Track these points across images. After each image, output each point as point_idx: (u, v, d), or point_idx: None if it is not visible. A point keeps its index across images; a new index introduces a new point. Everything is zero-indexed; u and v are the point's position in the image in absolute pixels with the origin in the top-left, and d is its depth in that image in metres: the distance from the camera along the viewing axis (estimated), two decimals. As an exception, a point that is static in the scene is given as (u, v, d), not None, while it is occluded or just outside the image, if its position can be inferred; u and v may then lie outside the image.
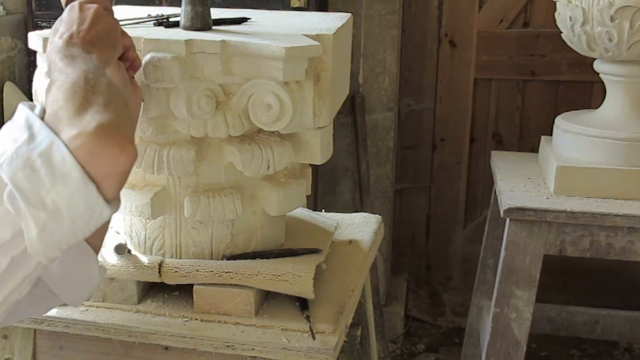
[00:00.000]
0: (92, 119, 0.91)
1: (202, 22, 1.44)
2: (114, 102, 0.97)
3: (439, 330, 3.33)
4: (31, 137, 0.91)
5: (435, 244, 3.36)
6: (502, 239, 2.20)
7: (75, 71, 1.01)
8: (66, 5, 1.24)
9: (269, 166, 1.43)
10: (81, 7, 1.17)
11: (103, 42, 1.15)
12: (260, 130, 1.43)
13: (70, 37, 1.11)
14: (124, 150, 0.91)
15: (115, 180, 0.93)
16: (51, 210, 0.89)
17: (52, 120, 0.93)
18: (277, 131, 1.42)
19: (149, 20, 1.51)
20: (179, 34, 1.38)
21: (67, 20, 1.15)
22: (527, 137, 3.11)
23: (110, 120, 0.92)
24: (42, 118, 0.94)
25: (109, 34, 1.17)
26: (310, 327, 1.40)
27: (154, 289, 1.52)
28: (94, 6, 1.17)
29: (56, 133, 0.91)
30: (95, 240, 1.07)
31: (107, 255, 1.47)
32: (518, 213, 2.09)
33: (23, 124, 0.93)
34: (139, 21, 1.50)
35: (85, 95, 0.95)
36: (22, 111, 0.96)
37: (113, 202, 0.94)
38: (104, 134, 0.90)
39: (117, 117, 0.94)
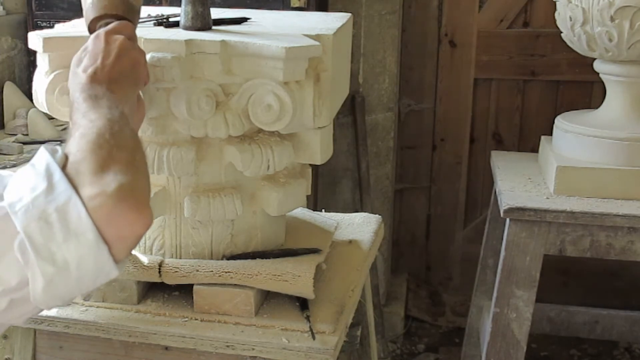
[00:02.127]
0: (113, 179, 0.90)
1: (202, 22, 1.44)
2: (137, 157, 0.97)
3: (439, 330, 3.33)
4: (50, 188, 0.89)
5: (435, 244, 3.35)
6: (502, 239, 2.20)
7: (100, 118, 1.00)
8: (90, 32, 1.24)
9: (269, 166, 1.43)
10: (107, 39, 1.16)
11: (127, 79, 1.15)
12: (260, 130, 1.43)
13: (95, 73, 1.10)
14: (141, 215, 0.91)
15: (128, 243, 0.92)
16: (60, 266, 0.89)
17: (73, 172, 0.92)
18: (277, 131, 1.42)
19: (149, 20, 1.51)
20: (179, 34, 1.38)
21: (92, 52, 1.14)
22: (527, 137, 3.11)
23: (131, 183, 0.91)
24: (63, 166, 0.93)
25: (133, 70, 1.17)
26: (310, 327, 1.40)
27: (154, 289, 1.52)
28: (120, 38, 1.17)
29: (76, 187, 0.90)
30: None
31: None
32: (518, 213, 2.09)
33: (43, 171, 0.91)
34: (139, 21, 1.50)
35: (109, 150, 0.94)
36: (43, 157, 0.94)
37: (121, 263, 0.93)
38: (124, 197, 0.89)
39: (138, 178, 0.94)
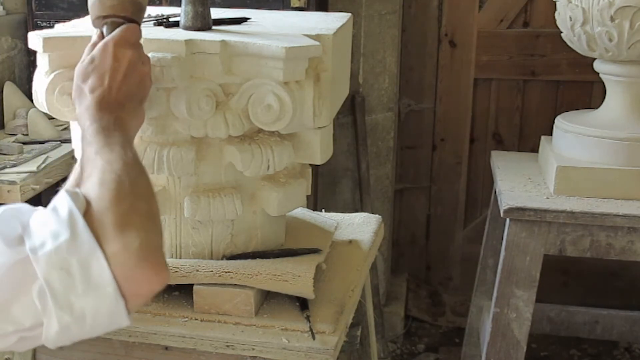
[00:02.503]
0: (135, 237, 0.91)
1: (202, 22, 1.44)
2: (154, 207, 0.99)
3: (439, 330, 3.33)
4: (73, 237, 0.90)
5: (435, 244, 3.35)
6: (502, 239, 2.19)
7: (117, 161, 1.00)
8: (95, 26, 1.22)
9: (269, 166, 1.43)
10: (115, 54, 1.14)
11: (134, 98, 1.15)
12: (260, 130, 1.43)
13: (103, 97, 1.10)
14: (160, 274, 0.93)
15: (144, 299, 0.95)
16: (77, 316, 0.91)
17: (95, 222, 0.92)
18: (277, 131, 1.42)
19: (149, 20, 1.51)
20: (179, 34, 1.38)
21: (100, 68, 1.13)
22: (527, 137, 3.10)
23: (151, 240, 0.93)
24: (84, 212, 0.93)
25: (140, 86, 1.17)
26: (310, 327, 1.40)
27: (154, 289, 1.52)
28: (128, 54, 1.16)
29: (98, 238, 0.90)
30: None
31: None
32: (518, 213, 2.09)
33: (66, 218, 0.92)
34: (139, 21, 1.50)
35: (131, 203, 0.95)
36: (65, 202, 0.94)
37: (132, 314, 0.95)
38: (145, 257, 0.91)
39: (156, 233, 0.96)
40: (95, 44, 1.19)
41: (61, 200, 0.94)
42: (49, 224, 0.92)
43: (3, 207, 0.95)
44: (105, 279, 0.89)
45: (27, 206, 0.97)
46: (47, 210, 0.94)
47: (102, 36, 1.19)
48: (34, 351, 1.52)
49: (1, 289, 0.90)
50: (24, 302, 0.90)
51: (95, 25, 1.22)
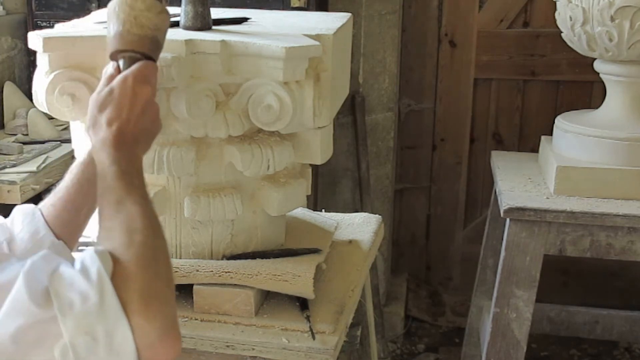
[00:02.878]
0: (158, 311, 0.95)
1: (202, 22, 1.44)
2: (170, 272, 1.03)
3: (439, 330, 3.32)
4: (102, 303, 0.93)
5: (435, 244, 3.35)
6: (502, 239, 2.19)
7: (141, 217, 1.02)
8: (111, 57, 1.21)
9: (269, 166, 1.43)
10: (134, 89, 1.14)
11: (147, 136, 1.16)
12: (260, 130, 1.43)
13: (120, 132, 1.11)
14: (177, 345, 0.97)
15: None
16: None
17: (122, 287, 0.95)
18: (277, 131, 1.42)
19: (149, 20, 1.51)
20: (179, 34, 1.38)
21: (118, 99, 1.13)
22: (527, 137, 3.10)
23: (171, 314, 0.98)
24: (112, 274, 0.96)
25: (154, 124, 1.18)
26: (310, 327, 1.40)
27: (154, 289, 1.52)
28: (146, 91, 1.16)
29: (123, 304, 0.94)
30: None
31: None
32: (518, 213, 2.09)
33: (95, 280, 0.94)
34: (139, 21, 1.50)
35: (156, 270, 0.99)
36: (95, 262, 0.96)
37: None
38: (167, 331, 0.96)
39: (174, 303, 1.00)
40: (112, 76, 1.18)
41: (90, 260, 0.96)
42: (78, 284, 0.94)
43: (30, 261, 0.96)
44: (128, 349, 0.93)
45: (52, 254, 0.99)
46: (75, 268, 0.96)
47: (118, 69, 1.19)
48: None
49: (24, 343, 0.92)
50: (44, 354, 0.93)
51: (112, 57, 1.21)
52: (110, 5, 1.21)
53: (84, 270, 0.95)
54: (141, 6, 1.20)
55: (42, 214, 1.24)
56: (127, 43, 1.19)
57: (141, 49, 1.20)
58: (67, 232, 1.25)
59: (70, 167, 1.28)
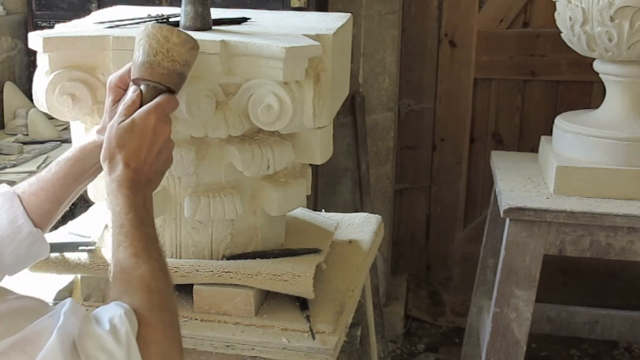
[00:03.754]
0: None
1: (202, 22, 1.44)
2: (179, 334, 1.07)
3: (439, 330, 3.32)
4: None
5: (435, 244, 3.35)
6: (502, 239, 2.19)
7: (151, 261, 1.06)
8: (134, 82, 1.20)
9: (269, 166, 1.43)
10: (156, 128, 1.15)
11: (160, 176, 1.18)
12: (260, 130, 1.43)
13: (136, 173, 1.12)
14: None
15: None
16: None
17: (144, 350, 0.99)
18: (277, 131, 1.42)
19: (149, 20, 1.51)
20: (179, 34, 1.38)
21: (139, 137, 1.14)
22: (527, 137, 3.10)
23: None
24: (136, 335, 1.00)
25: (166, 164, 1.19)
26: (310, 327, 1.40)
27: (154, 289, 1.52)
28: (166, 130, 1.17)
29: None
30: None
31: (107, 254, 1.47)
32: (518, 213, 2.09)
33: (125, 342, 0.98)
34: (139, 21, 1.50)
35: (173, 335, 1.04)
36: (124, 324, 0.99)
37: None
38: None
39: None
40: (133, 104, 1.17)
41: (120, 321, 0.99)
42: (107, 344, 0.97)
43: (63, 317, 0.98)
44: None
45: (78, 306, 1.01)
46: (104, 326, 0.99)
47: (140, 97, 1.18)
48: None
49: None
50: None
51: (135, 82, 1.21)
52: (143, 29, 1.21)
53: (114, 331, 0.98)
54: (176, 40, 1.19)
55: (20, 200, 1.24)
56: (156, 75, 1.19)
57: (167, 82, 1.20)
58: (44, 220, 1.26)
59: (57, 158, 1.29)
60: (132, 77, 1.22)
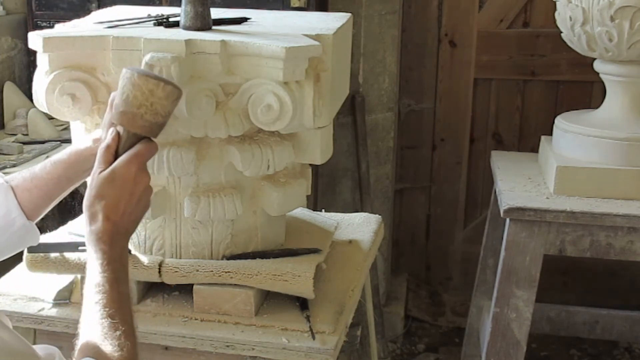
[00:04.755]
0: None
1: (202, 22, 1.44)
2: None
3: (439, 330, 3.32)
4: None
5: (435, 244, 3.35)
6: (502, 239, 2.19)
7: (125, 325, 1.06)
8: (113, 142, 1.17)
9: (269, 166, 1.43)
10: (136, 178, 1.15)
11: (137, 222, 1.19)
12: (260, 130, 1.43)
13: (115, 227, 1.13)
14: None
15: None
16: None
17: None
18: (277, 131, 1.42)
19: (149, 20, 1.51)
20: (179, 34, 1.38)
21: (119, 189, 1.14)
22: (527, 137, 3.10)
23: None
24: None
25: (144, 211, 1.19)
26: (310, 327, 1.40)
27: (154, 289, 1.53)
28: (146, 179, 1.17)
29: None
30: None
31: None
32: (518, 213, 2.09)
33: None
34: (139, 21, 1.50)
35: None
36: None
37: None
38: None
39: None
40: (109, 149, 1.17)
41: None
42: None
43: None
44: None
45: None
46: None
47: (117, 140, 1.17)
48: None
49: None
50: None
51: (114, 120, 1.19)
52: (127, 74, 1.17)
53: None
54: (161, 94, 1.16)
55: (14, 194, 1.28)
56: (137, 127, 1.17)
57: (148, 134, 1.18)
58: (35, 213, 1.31)
59: (51, 158, 1.31)
60: (112, 119, 1.19)
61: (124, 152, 1.17)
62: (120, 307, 1.07)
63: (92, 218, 1.14)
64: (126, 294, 1.10)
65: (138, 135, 1.17)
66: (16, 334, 1.04)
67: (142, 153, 1.16)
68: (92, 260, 1.12)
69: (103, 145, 1.18)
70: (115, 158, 1.16)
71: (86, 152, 1.28)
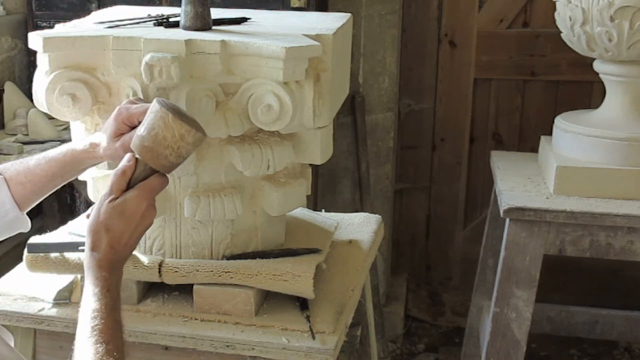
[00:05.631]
0: None
1: (202, 22, 1.44)
2: None
3: (439, 330, 3.32)
4: None
5: (435, 244, 3.35)
6: (502, 239, 2.19)
7: (119, 353, 1.07)
8: (131, 163, 1.19)
9: (269, 166, 1.43)
10: (144, 213, 1.18)
11: (134, 249, 1.21)
12: (260, 130, 1.43)
13: (116, 255, 1.16)
14: None
15: None
16: None
17: None
18: (277, 131, 1.42)
19: (149, 20, 1.51)
20: (179, 34, 1.38)
21: (126, 223, 1.17)
22: (527, 137, 3.10)
23: None
24: None
25: (141, 237, 1.22)
26: (310, 327, 1.40)
27: (154, 289, 1.53)
28: (153, 214, 1.20)
29: None
30: None
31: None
32: (518, 213, 2.09)
33: None
34: (139, 21, 1.50)
35: None
36: None
37: None
38: None
39: None
40: (124, 175, 1.19)
41: None
42: None
43: None
44: None
45: None
46: None
47: (133, 170, 1.19)
48: (34, 351, 1.52)
49: None
50: None
51: (134, 148, 1.20)
52: (160, 111, 1.17)
53: None
54: (190, 140, 1.18)
55: (8, 186, 1.32)
56: (158, 165, 1.19)
57: (166, 171, 1.21)
58: (26, 204, 1.36)
59: (46, 154, 1.33)
60: (132, 146, 1.21)
61: (137, 181, 1.19)
62: (114, 334, 1.09)
63: (95, 244, 1.16)
64: (120, 322, 1.13)
65: (154, 169, 1.19)
66: (15, 351, 1.05)
67: (155, 189, 1.19)
68: (91, 286, 1.14)
69: (118, 170, 1.19)
70: (127, 185, 1.18)
71: (82, 154, 1.30)
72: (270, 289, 1.45)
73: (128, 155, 1.20)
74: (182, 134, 1.17)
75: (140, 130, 1.19)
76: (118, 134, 1.26)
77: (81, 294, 1.49)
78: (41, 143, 2.52)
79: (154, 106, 1.19)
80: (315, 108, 1.38)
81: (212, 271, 1.44)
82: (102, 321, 1.09)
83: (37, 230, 1.60)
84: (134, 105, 1.27)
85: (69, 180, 1.35)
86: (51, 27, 1.53)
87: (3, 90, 1.68)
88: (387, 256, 3.22)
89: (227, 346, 1.40)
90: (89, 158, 1.30)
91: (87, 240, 1.18)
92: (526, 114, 3.13)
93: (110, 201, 1.17)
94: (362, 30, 2.95)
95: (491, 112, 3.16)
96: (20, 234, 1.41)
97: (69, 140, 1.58)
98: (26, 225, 1.38)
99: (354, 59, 2.52)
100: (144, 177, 1.19)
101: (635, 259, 2.12)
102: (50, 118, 2.43)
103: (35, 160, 1.33)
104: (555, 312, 2.81)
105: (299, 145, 1.48)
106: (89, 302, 1.12)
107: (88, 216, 1.22)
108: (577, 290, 3.17)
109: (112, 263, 1.16)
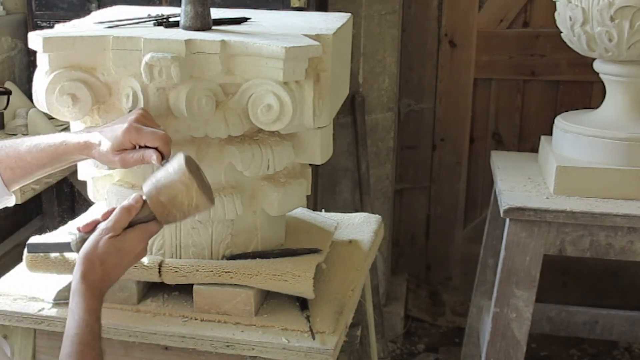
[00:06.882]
0: None
1: (202, 22, 1.44)
2: None
3: (438, 330, 3.32)
4: None
5: (435, 244, 3.35)
6: (502, 239, 2.20)
7: None
8: (136, 203, 1.23)
9: (269, 166, 1.43)
10: (139, 252, 1.25)
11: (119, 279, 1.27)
12: (260, 130, 1.43)
13: (104, 286, 1.22)
14: None
15: None
16: None
17: None
18: (277, 131, 1.42)
19: (149, 20, 1.51)
20: (179, 34, 1.38)
21: (121, 258, 1.23)
22: (527, 137, 3.10)
23: None
24: None
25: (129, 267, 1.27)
26: (310, 327, 1.40)
27: (154, 289, 1.53)
28: (144, 254, 1.26)
29: None
30: None
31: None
32: (518, 213, 2.09)
33: None
34: (139, 21, 1.50)
35: None
36: None
37: None
38: None
39: None
40: (129, 214, 1.23)
41: None
42: None
43: None
44: None
45: None
46: None
47: (138, 211, 1.23)
48: (34, 351, 1.52)
49: None
50: None
51: (147, 193, 1.23)
52: (185, 176, 1.20)
53: None
54: (202, 209, 1.24)
55: None
56: (163, 219, 1.24)
57: (165, 223, 1.26)
58: (14, 186, 1.40)
59: (39, 140, 1.35)
60: (145, 191, 1.24)
61: (138, 221, 1.23)
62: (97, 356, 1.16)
63: (87, 272, 1.20)
64: (100, 349, 1.18)
65: (155, 217, 1.24)
66: None
67: (152, 234, 1.26)
68: (79, 311, 1.18)
69: (124, 208, 1.23)
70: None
71: (76, 150, 1.32)
72: (270, 289, 1.45)
73: (136, 196, 1.24)
74: (198, 204, 1.23)
75: (159, 179, 1.23)
76: (120, 149, 1.28)
77: None
78: (41, 143, 2.52)
79: (179, 166, 1.21)
80: (315, 108, 1.38)
81: (212, 271, 1.44)
82: (92, 349, 1.15)
83: (37, 230, 1.61)
84: (146, 128, 1.28)
85: (59, 169, 1.39)
86: (51, 27, 1.53)
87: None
88: (387, 256, 3.22)
89: (227, 346, 1.40)
90: (81, 154, 1.33)
91: (79, 266, 1.21)
92: (526, 114, 3.13)
93: (110, 237, 1.21)
94: (362, 30, 2.95)
95: (491, 112, 3.16)
96: (21, 234, 1.42)
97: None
98: (11, 201, 1.42)
99: (354, 59, 2.52)
100: (144, 220, 1.24)
101: (635, 259, 2.12)
102: (50, 118, 2.43)
103: (27, 146, 1.34)
104: (555, 312, 2.81)
105: (299, 145, 1.48)
106: (79, 327, 1.16)
107: (79, 229, 1.27)
108: (577, 290, 3.17)
109: (101, 291, 1.21)
